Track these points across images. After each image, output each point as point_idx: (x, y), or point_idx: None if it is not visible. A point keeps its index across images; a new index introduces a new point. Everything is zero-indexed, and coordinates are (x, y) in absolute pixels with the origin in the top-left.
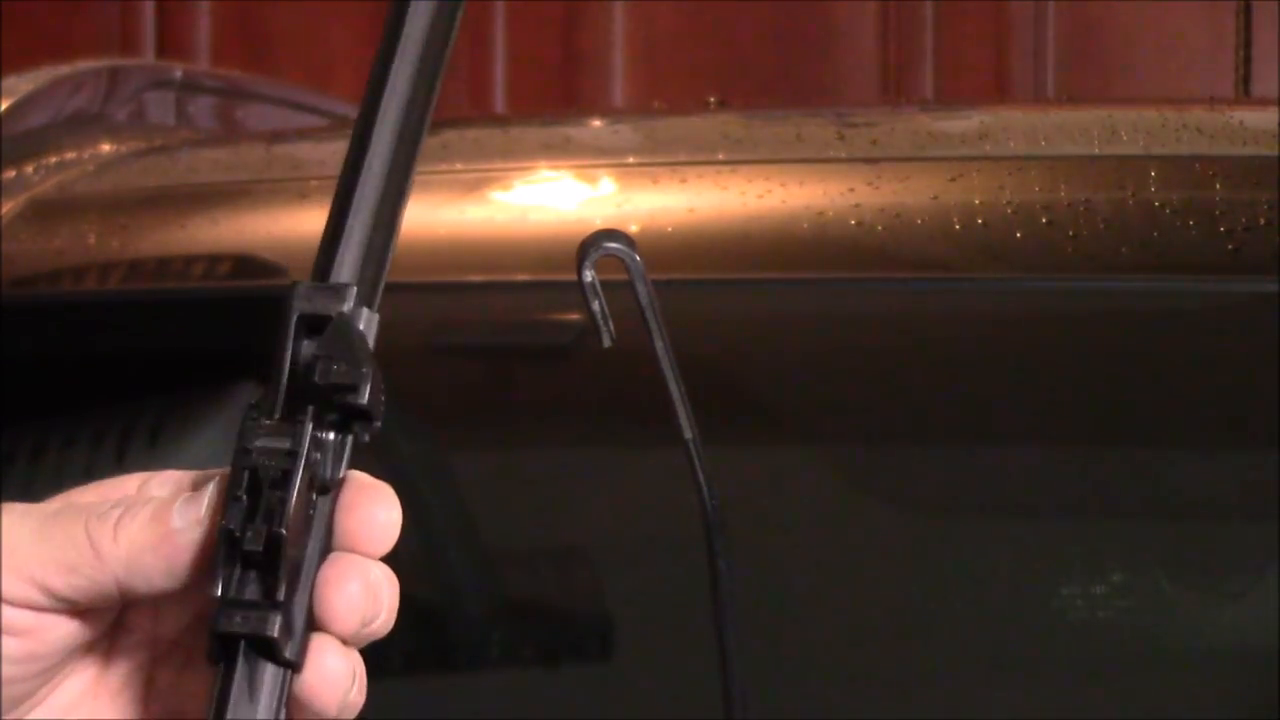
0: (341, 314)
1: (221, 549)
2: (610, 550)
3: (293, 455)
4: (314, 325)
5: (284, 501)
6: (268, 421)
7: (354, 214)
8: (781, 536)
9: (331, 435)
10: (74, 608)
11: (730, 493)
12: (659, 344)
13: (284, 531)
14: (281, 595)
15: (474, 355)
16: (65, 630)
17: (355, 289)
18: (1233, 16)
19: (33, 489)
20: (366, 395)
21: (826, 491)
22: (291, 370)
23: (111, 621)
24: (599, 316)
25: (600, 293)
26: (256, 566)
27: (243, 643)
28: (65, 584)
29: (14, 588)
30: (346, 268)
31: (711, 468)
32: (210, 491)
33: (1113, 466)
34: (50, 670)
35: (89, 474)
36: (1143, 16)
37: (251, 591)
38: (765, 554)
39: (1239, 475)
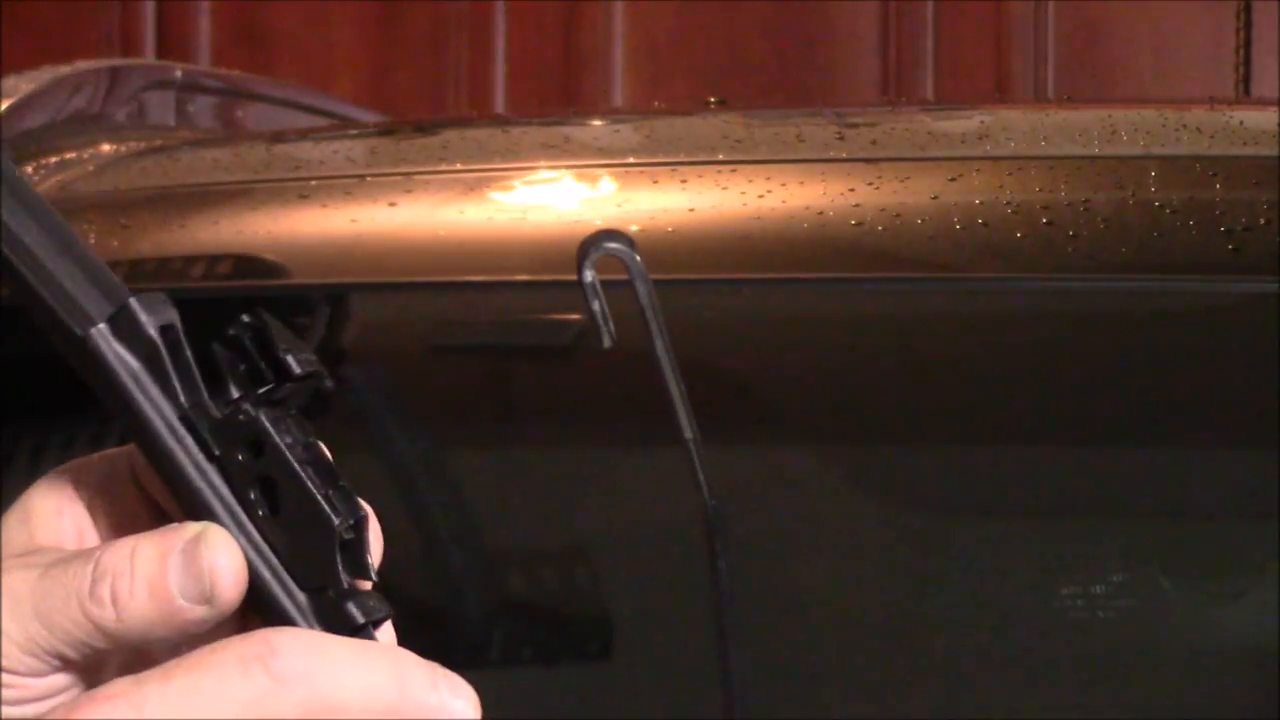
0: (260, 312)
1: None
2: (610, 550)
3: (309, 446)
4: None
5: (342, 488)
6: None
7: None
8: (781, 536)
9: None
10: (76, 665)
11: (730, 493)
12: (659, 344)
13: (368, 509)
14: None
15: (474, 355)
16: (59, 680)
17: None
18: (1233, 16)
19: None
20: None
21: (826, 491)
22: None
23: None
24: (599, 316)
25: (600, 293)
26: (345, 549)
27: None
28: (76, 654)
29: (19, 663)
30: (106, 286)
31: (711, 468)
32: (206, 556)
33: (1113, 466)
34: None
35: None
36: (1143, 16)
37: (348, 571)
38: (765, 554)
39: (1239, 475)
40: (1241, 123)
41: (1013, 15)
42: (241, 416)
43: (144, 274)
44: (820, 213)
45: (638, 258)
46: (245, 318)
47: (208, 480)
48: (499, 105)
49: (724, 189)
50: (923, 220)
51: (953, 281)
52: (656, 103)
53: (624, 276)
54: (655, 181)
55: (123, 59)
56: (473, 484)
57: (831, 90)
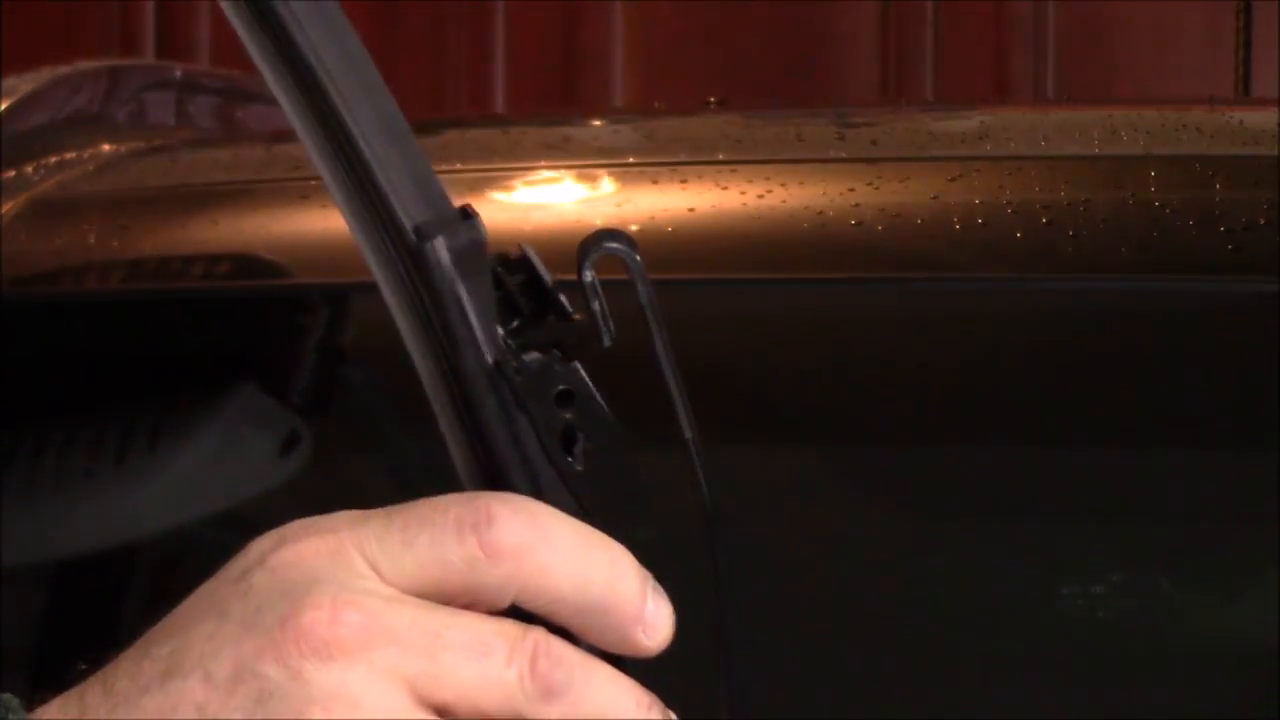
0: (524, 247)
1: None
2: None
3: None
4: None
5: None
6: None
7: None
8: (782, 536)
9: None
10: None
11: (730, 493)
12: (659, 344)
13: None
14: None
15: None
16: None
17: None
18: (1233, 16)
19: (32, 489)
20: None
21: (826, 491)
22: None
23: None
24: (599, 316)
25: (600, 293)
26: None
27: None
28: None
29: None
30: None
31: (711, 468)
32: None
33: (1113, 466)
34: None
35: (89, 475)
36: (1143, 16)
37: None
38: (765, 554)
39: (1239, 475)
40: (1241, 123)
41: (1013, 15)
42: (558, 368)
43: (144, 274)
44: (820, 213)
45: (638, 258)
46: (503, 254)
47: (512, 431)
48: (499, 105)
49: (724, 189)
50: (923, 220)
51: (953, 281)
52: (656, 103)
53: (624, 276)
54: (655, 181)
55: (123, 59)
56: None
57: (831, 90)
